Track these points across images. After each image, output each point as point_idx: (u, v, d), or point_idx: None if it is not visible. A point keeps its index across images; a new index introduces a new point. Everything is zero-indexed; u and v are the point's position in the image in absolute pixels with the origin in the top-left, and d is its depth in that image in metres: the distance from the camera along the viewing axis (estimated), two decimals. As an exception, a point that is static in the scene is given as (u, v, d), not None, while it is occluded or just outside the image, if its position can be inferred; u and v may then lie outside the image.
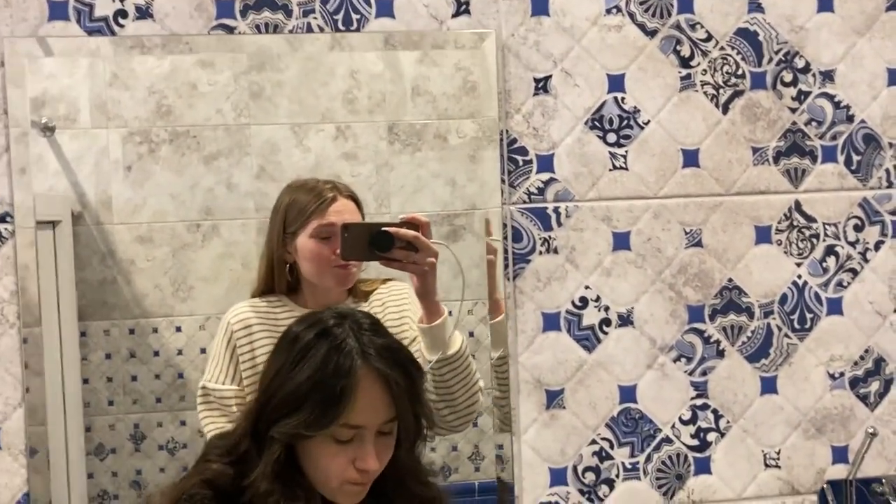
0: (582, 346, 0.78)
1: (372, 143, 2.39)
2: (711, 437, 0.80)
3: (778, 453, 0.80)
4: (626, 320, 0.78)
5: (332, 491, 0.74)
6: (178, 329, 2.26)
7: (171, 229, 2.30)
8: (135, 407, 2.26)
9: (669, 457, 0.79)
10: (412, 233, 1.10)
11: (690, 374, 0.79)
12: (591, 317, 0.78)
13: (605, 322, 0.78)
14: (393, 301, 1.36)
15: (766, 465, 0.80)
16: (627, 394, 0.79)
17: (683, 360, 0.79)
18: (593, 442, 0.78)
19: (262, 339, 1.32)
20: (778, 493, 0.80)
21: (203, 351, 2.27)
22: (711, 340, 0.79)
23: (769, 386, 0.80)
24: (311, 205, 1.30)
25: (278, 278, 1.36)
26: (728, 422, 0.80)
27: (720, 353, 0.80)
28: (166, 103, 2.29)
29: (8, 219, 0.78)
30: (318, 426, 0.69)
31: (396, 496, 0.78)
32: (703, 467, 0.80)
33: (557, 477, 0.78)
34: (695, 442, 0.79)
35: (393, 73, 2.42)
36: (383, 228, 1.08)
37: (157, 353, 2.26)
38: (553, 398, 0.78)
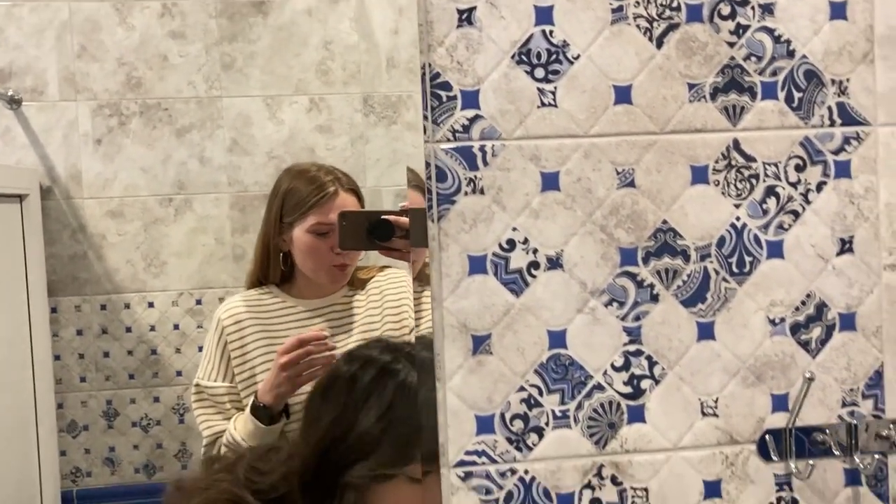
0: (509, 289, 0.75)
1: (347, 116, 2.35)
2: (645, 384, 0.77)
3: (715, 401, 0.77)
4: (555, 263, 0.75)
5: None
6: (151, 305, 2.24)
7: (143, 203, 2.27)
8: (107, 383, 2.24)
9: (601, 405, 0.76)
10: None
11: (623, 318, 0.76)
12: (518, 260, 0.75)
13: (534, 265, 0.75)
14: (391, 290, 1.34)
15: (704, 414, 0.77)
16: (557, 339, 0.76)
17: (615, 304, 0.76)
18: (522, 389, 0.76)
19: (253, 334, 1.29)
20: (716, 443, 0.77)
21: (176, 327, 2.25)
22: (645, 284, 0.77)
23: (706, 332, 0.77)
24: (311, 198, 1.28)
25: (272, 267, 1.34)
26: (663, 369, 0.77)
27: (654, 298, 0.77)
28: (136, 75, 2.26)
29: None
30: (400, 463, 0.66)
31: None
32: (637, 416, 0.77)
33: (484, 425, 0.75)
34: (628, 389, 0.77)
35: (367, 43, 2.38)
36: (382, 217, 1.05)
37: (129, 329, 2.24)
38: (479, 343, 0.75)
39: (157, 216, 2.05)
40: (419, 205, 0.74)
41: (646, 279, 0.77)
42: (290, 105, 2.07)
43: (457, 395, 0.75)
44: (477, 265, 0.75)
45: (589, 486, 0.76)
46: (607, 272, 0.76)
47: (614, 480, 0.77)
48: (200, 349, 2.06)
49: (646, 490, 0.77)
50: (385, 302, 1.33)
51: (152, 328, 2.01)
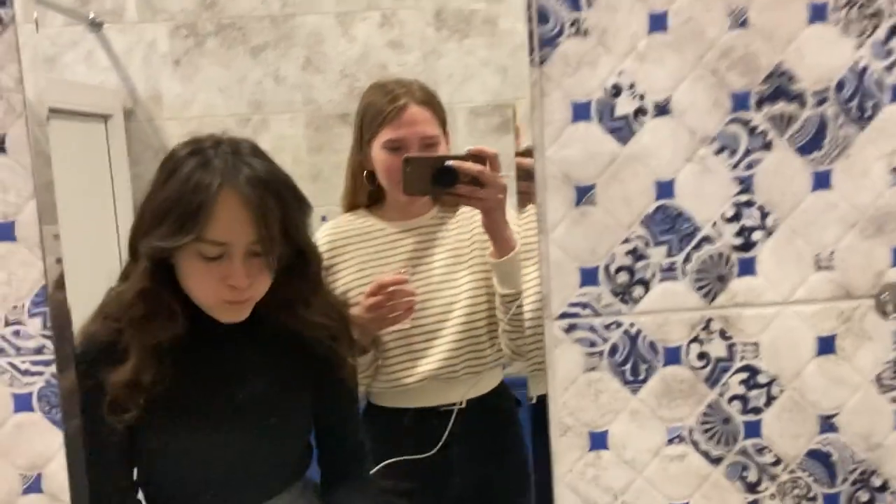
0: (615, 137, 0.73)
1: (418, 31, 2.31)
2: (757, 236, 0.74)
3: (831, 254, 0.74)
4: (663, 109, 0.73)
5: (211, 309, 0.77)
6: (231, 226, 2.25)
7: (221, 123, 2.29)
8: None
9: (710, 257, 0.74)
10: (478, 167, 1.03)
11: (734, 167, 0.73)
12: (624, 106, 0.72)
13: (641, 111, 0.72)
14: None
15: (818, 267, 0.74)
16: (664, 189, 0.73)
17: (726, 152, 0.73)
18: (627, 240, 0.74)
19: (343, 257, 1.29)
20: (830, 297, 0.74)
21: (256, 246, 2.26)
22: (758, 131, 0.73)
23: (822, 181, 0.73)
24: (383, 112, 1.24)
25: (359, 188, 1.31)
26: (775, 220, 0.74)
27: (767, 145, 0.73)
28: (211, -6, 2.23)
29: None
30: (175, 239, 0.72)
31: (287, 320, 0.81)
32: (748, 269, 0.74)
33: (588, 277, 0.74)
34: (738, 241, 0.74)
35: (439, -44, 2.30)
36: (447, 163, 1.03)
37: (211, 249, 2.26)
38: (583, 194, 0.73)
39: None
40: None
41: (759, 126, 0.73)
42: (361, 21, 2.05)
43: (560, 246, 0.74)
44: (581, 112, 0.72)
45: (696, 339, 0.75)
46: (718, 119, 0.73)
47: (723, 335, 0.75)
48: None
49: (755, 345, 0.75)
50: (475, 226, 1.30)
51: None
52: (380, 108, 1.23)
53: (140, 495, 0.82)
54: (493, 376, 1.13)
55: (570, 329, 0.74)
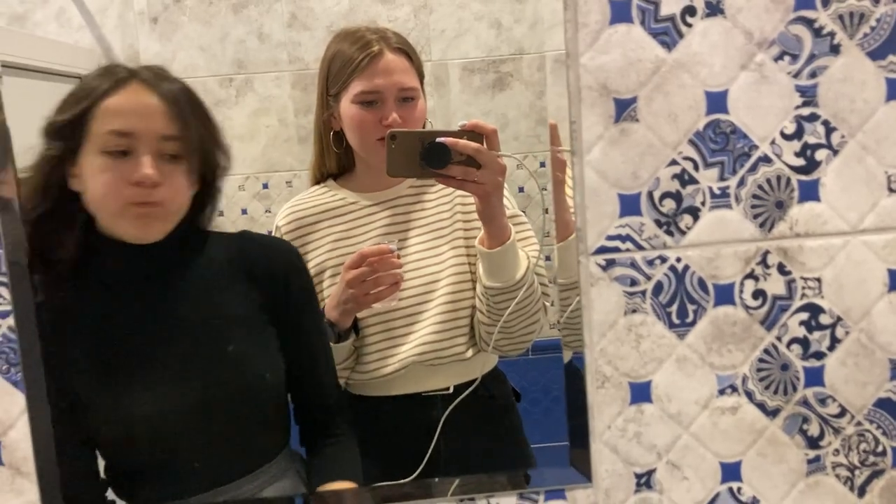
0: (660, 42, 0.63)
1: (409, -17, 2.16)
2: (821, 155, 0.65)
3: (905, 176, 0.65)
4: (714, 9, 0.63)
5: (116, 219, 0.70)
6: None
7: (203, 84, 2.15)
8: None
9: (768, 180, 0.65)
10: (474, 145, 0.90)
11: (796, 75, 0.64)
12: (670, 5, 0.63)
13: (689, 11, 0.63)
14: None
15: (891, 190, 0.65)
16: (716, 102, 0.64)
17: (787, 58, 0.64)
18: (673, 162, 0.64)
19: (318, 234, 1.14)
20: (904, 225, 0.65)
21: (244, 212, 2.17)
22: (824, 32, 0.63)
23: (897, 91, 0.64)
24: (354, 61, 1.08)
25: (327, 153, 1.15)
26: (843, 136, 0.65)
27: (834, 49, 0.64)
28: (189, -52, 2.10)
29: None
30: (72, 110, 0.69)
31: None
32: (810, 193, 0.65)
33: (629, 205, 0.64)
34: (800, 161, 0.65)
35: None
36: (438, 139, 0.90)
37: (196, 215, 2.14)
38: (623, 108, 0.63)
39: (218, 98, 1.95)
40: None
41: (825, 26, 0.63)
42: (351, -27, 1.94)
43: (596, 170, 0.64)
44: (620, 12, 0.62)
45: (752, 275, 0.65)
46: (778, 18, 0.63)
47: (781, 269, 0.66)
48: (269, 234, 1.99)
49: (818, 280, 0.66)
50: (456, 196, 1.17)
51: (221, 213, 1.96)
52: (349, 56, 1.08)
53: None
54: (486, 360, 1.03)
55: (608, 265, 0.65)
